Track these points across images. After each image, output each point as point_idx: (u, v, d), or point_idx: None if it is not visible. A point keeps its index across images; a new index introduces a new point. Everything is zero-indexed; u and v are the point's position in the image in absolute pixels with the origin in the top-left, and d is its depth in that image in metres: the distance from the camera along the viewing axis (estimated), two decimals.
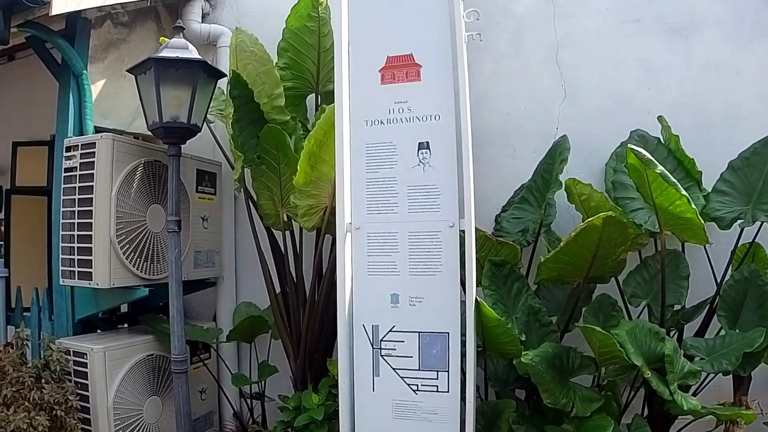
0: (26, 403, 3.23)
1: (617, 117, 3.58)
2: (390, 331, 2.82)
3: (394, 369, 2.82)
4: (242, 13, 4.27)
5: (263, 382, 3.86)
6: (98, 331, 3.84)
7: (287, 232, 3.68)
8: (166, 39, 3.77)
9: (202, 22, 4.27)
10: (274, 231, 3.72)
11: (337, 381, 3.37)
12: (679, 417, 3.05)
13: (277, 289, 3.69)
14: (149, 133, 3.82)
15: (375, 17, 2.91)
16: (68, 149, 3.47)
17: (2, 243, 5.54)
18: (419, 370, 2.79)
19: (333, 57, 3.60)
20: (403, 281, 2.80)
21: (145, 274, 3.49)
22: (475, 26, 2.81)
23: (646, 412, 3.14)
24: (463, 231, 2.72)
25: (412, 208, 2.79)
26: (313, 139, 3.04)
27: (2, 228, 5.87)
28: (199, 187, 3.87)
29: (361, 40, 2.92)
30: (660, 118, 3.40)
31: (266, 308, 3.94)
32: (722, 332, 3.10)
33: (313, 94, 3.75)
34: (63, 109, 3.72)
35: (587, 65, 3.68)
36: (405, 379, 2.81)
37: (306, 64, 3.61)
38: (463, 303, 2.76)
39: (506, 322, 2.83)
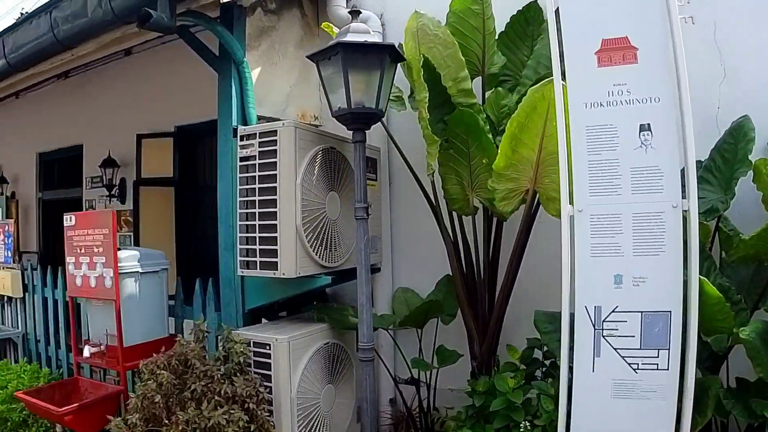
0: (216, 397, 3.19)
1: None
2: (613, 311, 2.83)
3: (615, 349, 2.83)
4: None
5: (432, 370, 3.82)
6: (263, 320, 3.81)
7: (454, 216, 3.67)
8: (331, 26, 3.74)
9: (346, 7, 4.22)
10: (439, 215, 3.70)
11: (517, 365, 3.41)
12: None
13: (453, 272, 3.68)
14: (301, 120, 3.83)
15: (585, 1, 2.91)
16: (243, 138, 3.43)
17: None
18: (640, 348, 2.79)
19: (496, 41, 3.65)
20: (626, 262, 2.80)
21: (325, 262, 3.47)
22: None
23: None
24: (686, 211, 2.74)
25: (636, 190, 2.78)
26: (515, 122, 3.02)
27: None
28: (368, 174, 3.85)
29: (573, 24, 2.89)
30: None
31: (429, 293, 3.93)
32: None
33: (479, 78, 3.72)
34: (225, 98, 3.69)
35: (745, 46, 3.71)
36: (626, 359, 2.81)
37: (471, 47, 3.58)
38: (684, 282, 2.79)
39: (725, 300, 2.86)
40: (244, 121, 3.66)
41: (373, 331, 3.34)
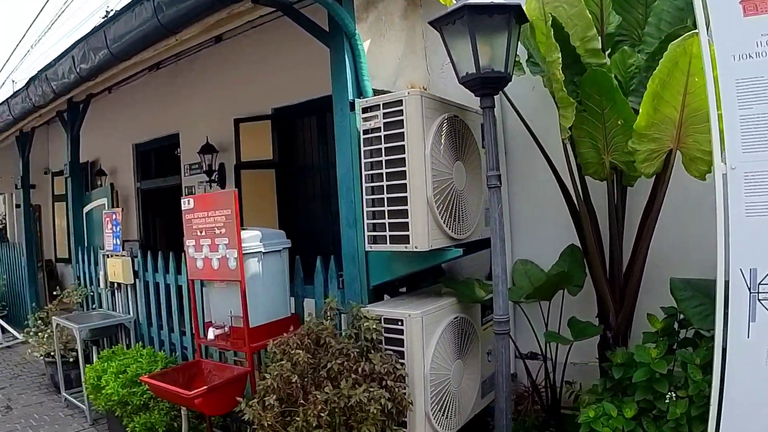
0: (353, 375, 3.14)
1: None
2: None
3: None
4: None
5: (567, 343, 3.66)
6: (385, 297, 3.78)
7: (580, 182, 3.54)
8: None
9: None
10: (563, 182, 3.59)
11: (658, 335, 3.28)
12: None
13: (577, 242, 3.58)
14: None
15: None
16: (365, 110, 3.38)
17: None
18: None
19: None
20: None
21: (454, 233, 3.39)
22: None
23: None
24: None
25: None
26: (657, 78, 2.88)
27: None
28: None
29: None
30: None
31: (554, 264, 3.85)
32: None
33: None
34: (339, 72, 3.64)
35: None
36: None
37: (589, 6, 3.42)
38: None
39: None
40: (359, 95, 3.61)
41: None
